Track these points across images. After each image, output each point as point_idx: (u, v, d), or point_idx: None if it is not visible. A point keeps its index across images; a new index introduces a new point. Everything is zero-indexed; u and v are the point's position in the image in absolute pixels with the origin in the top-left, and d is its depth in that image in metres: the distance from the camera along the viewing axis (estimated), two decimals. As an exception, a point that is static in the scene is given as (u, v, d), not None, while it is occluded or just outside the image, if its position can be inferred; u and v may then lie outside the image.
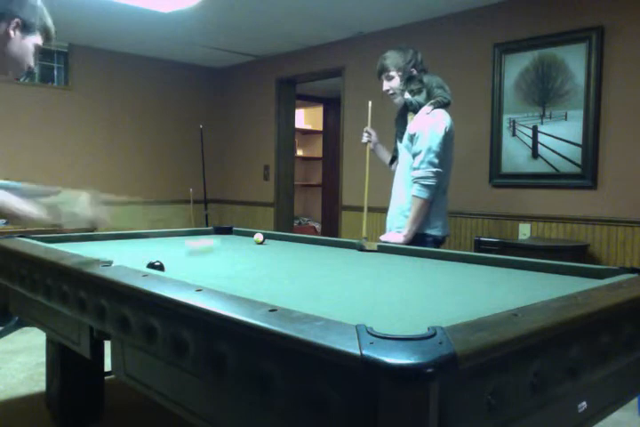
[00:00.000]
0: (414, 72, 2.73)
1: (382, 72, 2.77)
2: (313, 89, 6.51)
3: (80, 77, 5.17)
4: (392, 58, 2.74)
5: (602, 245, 3.36)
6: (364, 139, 2.93)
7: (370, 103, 2.76)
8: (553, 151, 3.52)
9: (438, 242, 2.71)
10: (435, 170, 2.58)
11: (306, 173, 8.07)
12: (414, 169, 2.62)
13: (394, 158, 2.92)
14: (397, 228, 2.73)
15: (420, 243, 2.61)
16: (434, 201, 2.64)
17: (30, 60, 1.58)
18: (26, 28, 1.53)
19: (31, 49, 1.57)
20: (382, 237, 2.71)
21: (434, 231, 2.68)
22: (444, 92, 2.69)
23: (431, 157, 2.57)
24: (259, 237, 2.62)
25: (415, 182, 2.61)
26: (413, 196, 2.61)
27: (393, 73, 2.74)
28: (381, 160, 3.07)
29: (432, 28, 4.12)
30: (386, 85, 2.78)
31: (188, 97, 5.89)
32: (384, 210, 2.96)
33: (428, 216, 2.65)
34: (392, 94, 2.79)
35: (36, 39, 1.58)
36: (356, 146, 4.72)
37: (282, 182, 5.54)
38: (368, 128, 2.93)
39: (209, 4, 3.84)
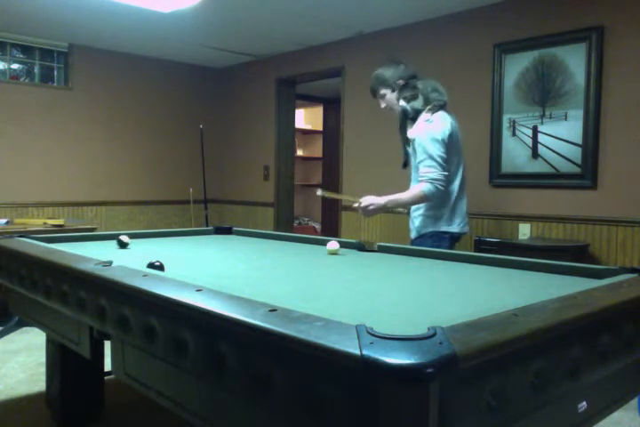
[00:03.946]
0: (402, 83, 2.80)
1: (375, 94, 2.91)
2: (313, 89, 6.50)
3: (80, 77, 5.16)
4: (378, 78, 2.86)
5: (602, 245, 3.35)
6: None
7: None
8: (553, 151, 3.52)
9: (454, 239, 2.76)
10: (445, 173, 2.63)
11: (306, 173, 8.07)
12: (423, 171, 2.64)
13: (406, 162, 2.94)
14: (417, 228, 2.77)
15: (438, 240, 2.68)
16: (452, 199, 2.70)
17: None
18: None
19: None
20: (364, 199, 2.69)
21: (451, 228, 2.72)
22: (440, 94, 2.76)
23: (439, 161, 2.61)
24: (333, 245, 2.26)
25: (427, 182, 2.61)
26: (421, 190, 2.61)
27: (383, 91, 2.85)
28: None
29: (432, 28, 4.12)
30: (382, 104, 2.91)
31: (188, 97, 5.89)
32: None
33: (447, 214, 2.71)
34: (390, 109, 2.90)
35: None
36: (356, 146, 4.73)
37: (282, 182, 5.54)
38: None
39: (209, 3, 3.84)
